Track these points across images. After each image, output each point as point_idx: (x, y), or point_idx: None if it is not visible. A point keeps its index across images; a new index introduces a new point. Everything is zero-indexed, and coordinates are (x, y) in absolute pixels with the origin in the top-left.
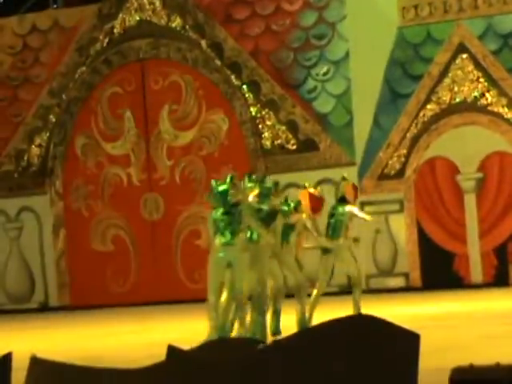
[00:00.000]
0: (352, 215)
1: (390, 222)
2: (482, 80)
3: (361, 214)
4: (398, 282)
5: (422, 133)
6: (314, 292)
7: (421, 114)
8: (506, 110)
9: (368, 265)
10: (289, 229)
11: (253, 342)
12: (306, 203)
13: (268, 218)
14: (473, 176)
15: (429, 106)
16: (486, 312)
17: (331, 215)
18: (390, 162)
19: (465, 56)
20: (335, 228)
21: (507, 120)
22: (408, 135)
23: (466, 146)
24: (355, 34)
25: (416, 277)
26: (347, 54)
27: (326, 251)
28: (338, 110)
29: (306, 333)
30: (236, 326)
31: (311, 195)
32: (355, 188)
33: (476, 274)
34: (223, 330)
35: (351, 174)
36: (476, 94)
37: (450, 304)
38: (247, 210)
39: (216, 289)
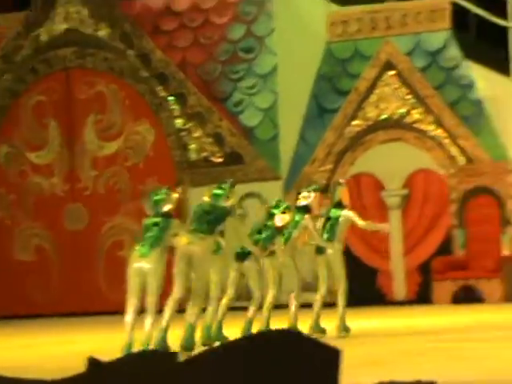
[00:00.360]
0: (348, 220)
1: None
2: (408, 97)
3: (357, 219)
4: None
5: (348, 148)
6: (317, 297)
7: (347, 130)
8: (431, 127)
9: None
10: (275, 232)
11: (172, 355)
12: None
13: (216, 222)
14: (398, 192)
15: (355, 122)
16: (408, 329)
17: (327, 219)
18: (316, 177)
19: (392, 73)
20: (331, 231)
21: (433, 137)
22: (334, 150)
23: (391, 163)
24: (283, 47)
25: None
26: (275, 68)
27: (320, 251)
28: (264, 123)
29: (218, 348)
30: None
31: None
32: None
33: (399, 290)
34: (130, 346)
35: (276, 188)
36: (402, 110)
37: (373, 320)
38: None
39: (130, 300)
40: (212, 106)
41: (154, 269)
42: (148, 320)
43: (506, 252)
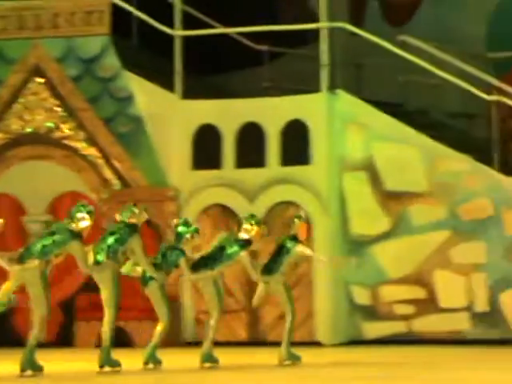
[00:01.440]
0: (301, 255)
1: None
2: (58, 109)
3: (311, 254)
4: None
5: None
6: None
7: None
8: (83, 144)
9: None
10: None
11: None
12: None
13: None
14: (40, 218)
15: None
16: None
17: (279, 250)
18: None
19: (40, 80)
20: (279, 263)
21: (84, 156)
22: None
23: (35, 183)
24: None
25: None
26: None
27: None
28: None
29: None
30: None
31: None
32: (308, 227)
33: None
34: None
35: None
36: (50, 124)
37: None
38: None
39: None
40: None
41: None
42: None
43: None
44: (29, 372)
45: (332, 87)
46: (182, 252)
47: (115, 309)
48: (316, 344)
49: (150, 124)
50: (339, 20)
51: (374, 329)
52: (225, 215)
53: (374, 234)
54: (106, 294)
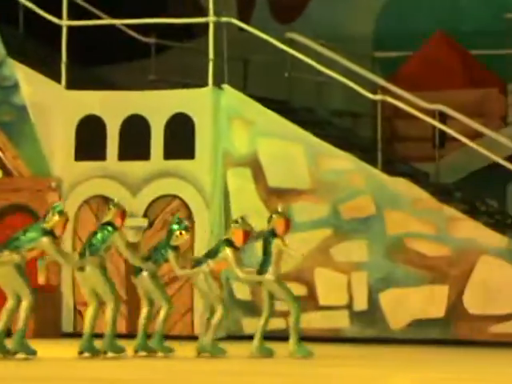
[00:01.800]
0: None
1: None
2: None
3: (284, 249)
4: None
5: None
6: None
7: None
8: None
9: None
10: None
11: None
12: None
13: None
14: None
15: None
16: None
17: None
18: None
19: None
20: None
21: None
22: None
23: None
24: None
25: None
26: None
27: None
28: None
29: None
30: None
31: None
32: (287, 222)
33: None
34: None
35: None
36: None
37: None
38: None
39: None
40: None
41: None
42: None
43: None
44: (21, 355)
45: (218, 82)
46: (172, 248)
47: (116, 300)
48: (195, 338)
49: (35, 113)
50: (227, 15)
51: (253, 324)
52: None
53: (256, 229)
54: (100, 289)
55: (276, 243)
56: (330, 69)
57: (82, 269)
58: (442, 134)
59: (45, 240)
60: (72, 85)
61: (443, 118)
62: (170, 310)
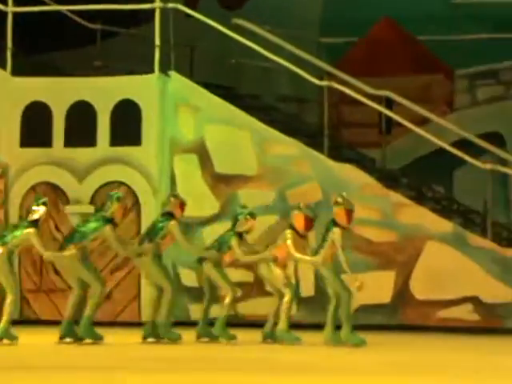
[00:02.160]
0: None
1: None
2: None
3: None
4: None
5: None
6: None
7: None
8: None
9: None
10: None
11: None
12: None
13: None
14: None
15: None
16: None
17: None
18: None
19: None
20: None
21: None
22: None
23: None
24: None
25: None
26: None
27: None
28: None
29: None
30: None
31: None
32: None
33: None
34: None
35: None
36: None
37: None
38: None
39: None
40: None
41: None
42: None
43: None
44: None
45: (165, 69)
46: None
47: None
48: (142, 325)
49: None
50: (174, 1)
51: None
52: (53, 193)
53: (203, 216)
54: (154, 277)
55: (335, 232)
56: (276, 55)
57: (139, 255)
58: (389, 119)
59: (107, 228)
60: (18, 71)
61: (389, 103)
62: (234, 294)
